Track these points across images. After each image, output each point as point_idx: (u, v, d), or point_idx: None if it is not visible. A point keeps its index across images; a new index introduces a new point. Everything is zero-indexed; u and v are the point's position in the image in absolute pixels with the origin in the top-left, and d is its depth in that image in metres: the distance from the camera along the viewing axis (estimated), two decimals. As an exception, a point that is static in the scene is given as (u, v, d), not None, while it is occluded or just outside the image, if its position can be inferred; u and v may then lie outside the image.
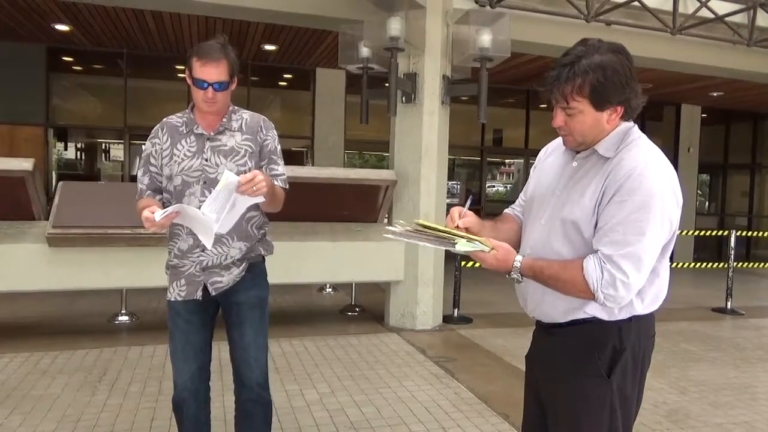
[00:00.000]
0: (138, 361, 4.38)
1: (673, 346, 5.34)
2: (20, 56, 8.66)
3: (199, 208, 2.04)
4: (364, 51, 5.43)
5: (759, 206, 13.33)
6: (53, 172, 9.56)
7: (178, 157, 2.27)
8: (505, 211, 1.94)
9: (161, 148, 2.31)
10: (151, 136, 2.34)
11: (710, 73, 8.27)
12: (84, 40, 8.50)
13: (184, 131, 2.29)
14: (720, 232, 9.33)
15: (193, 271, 2.36)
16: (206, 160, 2.25)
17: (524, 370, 1.92)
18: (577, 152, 1.65)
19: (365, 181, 5.49)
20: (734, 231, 7.44)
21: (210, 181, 2.23)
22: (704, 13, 6.77)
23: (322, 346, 4.92)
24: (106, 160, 11.81)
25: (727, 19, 6.83)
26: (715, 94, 10.69)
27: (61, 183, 5.00)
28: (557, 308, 1.63)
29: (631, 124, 1.62)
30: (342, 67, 5.77)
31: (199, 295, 2.34)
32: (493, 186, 14.56)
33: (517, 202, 1.92)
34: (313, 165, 9.84)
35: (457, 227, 1.65)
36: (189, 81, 2.22)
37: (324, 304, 6.89)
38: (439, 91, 5.60)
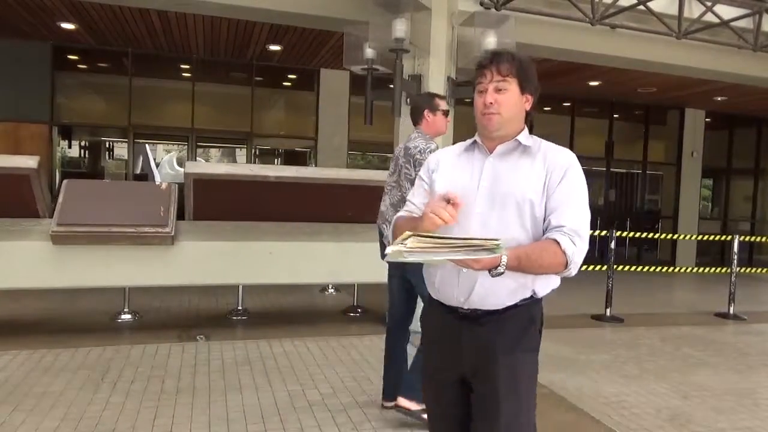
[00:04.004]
0: (140, 360, 4.38)
1: (675, 351, 5.33)
2: (25, 54, 8.69)
3: None
4: (369, 52, 5.43)
5: (762, 211, 13.30)
6: (57, 170, 9.58)
7: None
8: (400, 214, 1.96)
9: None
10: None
11: (715, 78, 8.27)
12: (89, 39, 8.52)
13: None
14: (723, 237, 9.32)
15: None
16: None
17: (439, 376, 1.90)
18: (489, 152, 1.84)
19: (369, 182, 5.49)
20: (737, 236, 7.42)
21: None
22: (709, 17, 6.77)
23: (324, 347, 4.92)
24: (109, 158, 11.85)
25: (732, 23, 6.82)
26: (719, 99, 10.67)
27: (65, 181, 5.01)
28: (508, 293, 1.75)
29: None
30: (346, 68, 5.77)
31: None
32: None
33: (412, 208, 1.93)
34: (316, 166, 9.85)
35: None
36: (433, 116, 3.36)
37: (326, 305, 6.89)
38: (444, 93, 5.59)
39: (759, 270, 9.93)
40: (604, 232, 7.30)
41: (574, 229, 1.70)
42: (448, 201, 1.65)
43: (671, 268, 10.11)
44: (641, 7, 6.39)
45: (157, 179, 12.32)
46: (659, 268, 8.88)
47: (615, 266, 6.79)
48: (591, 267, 7.86)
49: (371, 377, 4.17)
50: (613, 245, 6.78)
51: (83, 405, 3.49)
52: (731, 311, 7.05)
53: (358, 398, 3.76)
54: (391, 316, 3.61)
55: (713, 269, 9.12)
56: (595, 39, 6.78)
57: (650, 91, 10.34)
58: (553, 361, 4.80)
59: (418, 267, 2.81)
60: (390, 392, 3.51)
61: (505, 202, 1.75)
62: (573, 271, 1.72)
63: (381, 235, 3.61)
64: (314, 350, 4.82)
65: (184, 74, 9.75)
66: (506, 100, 1.80)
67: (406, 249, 1.49)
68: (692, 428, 3.55)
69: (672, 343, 5.61)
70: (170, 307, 6.21)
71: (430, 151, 3.25)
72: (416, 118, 3.54)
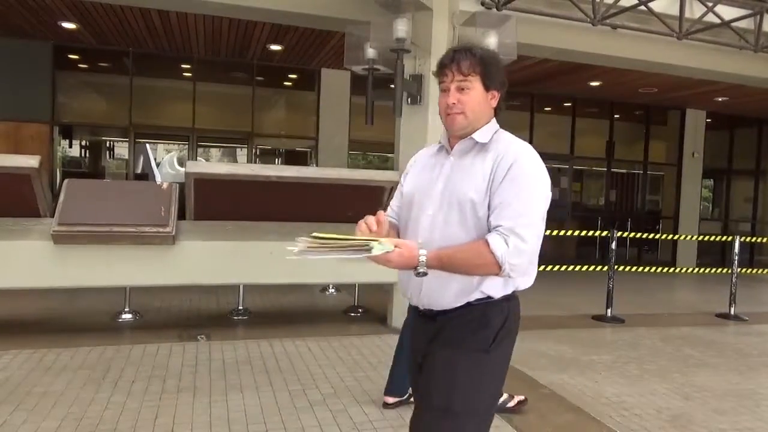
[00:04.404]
0: (141, 360, 4.38)
1: (676, 352, 5.33)
2: (27, 53, 8.69)
3: None
4: (370, 52, 5.43)
5: (763, 212, 13.29)
6: (58, 170, 9.59)
7: None
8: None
9: None
10: None
11: (716, 78, 8.27)
12: (90, 39, 8.52)
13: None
14: (724, 238, 9.32)
15: None
16: None
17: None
18: (450, 152, 1.83)
19: (369, 182, 5.49)
20: (738, 236, 7.42)
21: None
22: (710, 18, 6.77)
23: (324, 347, 4.92)
24: (110, 158, 11.84)
25: (733, 24, 6.82)
26: (720, 99, 10.67)
27: (66, 180, 5.01)
28: (454, 293, 1.73)
29: (498, 126, 1.85)
30: (347, 68, 5.76)
31: None
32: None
33: (388, 209, 2.00)
34: (317, 165, 9.85)
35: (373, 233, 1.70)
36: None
37: (327, 305, 6.89)
38: (445, 93, 5.59)
39: (760, 271, 9.92)
40: (605, 233, 7.30)
41: (510, 229, 1.63)
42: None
43: (672, 269, 10.11)
44: (642, 7, 6.39)
45: (158, 179, 12.32)
46: (660, 269, 8.88)
47: (616, 267, 6.79)
48: (592, 267, 7.87)
49: (372, 377, 4.17)
50: (613, 246, 6.77)
51: (84, 404, 3.49)
52: (732, 312, 7.05)
53: (359, 398, 3.76)
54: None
55: (714, 270, 9.12)
56: (596, 39, 6.77)
57: (651, 91, 10.34)
58: (554, 361, 4.80)
59: None
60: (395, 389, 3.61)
61: (451, 202, 1.74)
62: (514, 274, 1.65)
63: None
64: (315, 350, 4.82)
65: (185, 74, 9.75)
66: (469, 99, 1.76)
67: (299, 248, 1.55)
68: (693, 429, 3.55)
69: (673, 343, 5.61)
70: (171, 307, 6.22)
71: None
72: None
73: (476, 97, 1.77)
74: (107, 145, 11.80)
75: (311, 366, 4.40)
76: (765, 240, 10.23)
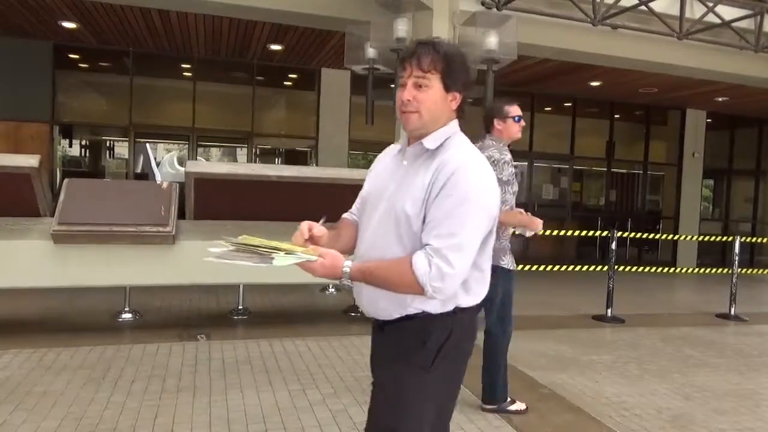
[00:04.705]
0: (141, 359, 4.38)
1: (676, 352, 5.33)
2: (27, 53, 8.69)
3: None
4: (371, 52, 5.44)
5: (763, 212, 13.29)
6: (58, 169, 9.59)
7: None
8: (344, 215, 2.00)
9: (515, 172, 3.43)
10: (509, 164, 3.41)
11: (716, 78, 8.27)
12: (91, 38, 8.52)
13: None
14: (724, 238, 9.31)
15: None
16: None
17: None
18: (408, 148, 1.71)
19: (370, 182, 5.48)
20: (738, 237, 7.42)
21: None
22: (711, 18, 6.77)
23: (324, 347, 4.92)
24: (110, 157, 11.84)
25: (733, 24, 6.82)
26: (720, 99, 10.67)
27: (66, 180, 5.01)
28: (389, 305, 1.66)
29: (458, 129, 1.71)
30: (348, 67, 5.77)
31: None
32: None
33: (353, 206, 1.97)
34: (317, 165, 9.84)
35: (309, 240, 1.69)
36: (504, 123, 3.52)
37: (327, 304, 6.89)
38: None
39: (760, 271, 9.92)
40: (605, 233, 7.30)
41: (437, 250, 1.52)
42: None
43: (672, 269, 10.11)
44: (643, 7, 6.39)
45: (158, 178, 12.32)
46: (660, 269, 8.88)
47: (616, 267, 6.79)
48: (592, 267, 7.87)
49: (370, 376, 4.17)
50: (614, 246, 6.77)
51: (84, 404, 3.49)
52: (732, 312, 7.04)
53: (359, 398, 3.76)
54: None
55: (714, 270, 9.12)
56: (597, 39, 6.77)
57: (651, 91, 10.34)
58: (554, 361, 4.80)
59: None
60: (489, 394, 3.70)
61: (390, 213, 1.64)
62: (439, 296, 1.56)
63: None
64: (315, 350, 4.82)
65: (185, 74, 9.75)
66: (426, 98, 1.62)
67: (212, 251, 1.55)
68: (693, 429, 3.55)
69: (673, 343, 5.61)
70: (171, 307, 6.21)
71: (505, 163, 3.45)
72: (487, 126, 3.67)
73: (433, 96, 1.62)
74: (107, 144, 11.80)
75: (311, 366, 4.40)
76: (765, 240, 10.23)
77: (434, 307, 1.63)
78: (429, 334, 1.64)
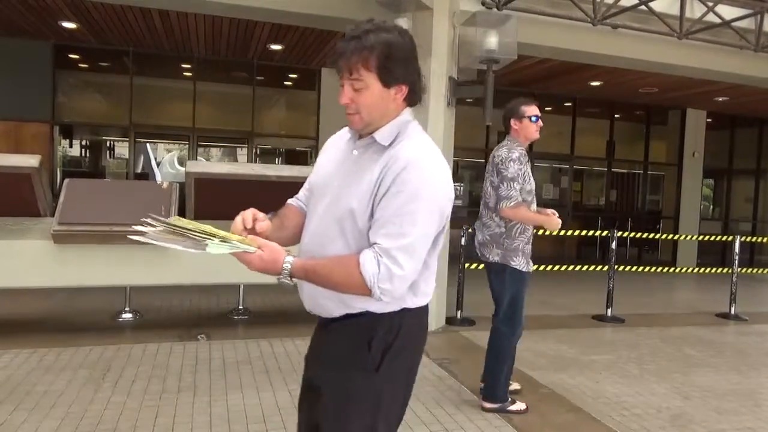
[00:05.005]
0: (141, 359, 4.39)
1: (676, 351, 5.33)
2: (27, 53, 8.69)
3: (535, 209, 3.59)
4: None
5: (763, 212, 13.29)
6: (58, 169, 9.59)
7: (530, 176, 3.61)
8: (289, 201, 1.86)
9: (526, 171, 3.56)
10: (521, 160, 3.53)
11: (716, 78, 8.27)
12: (91, 38, 8.52)
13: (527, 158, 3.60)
14: (724, 238, 9.31)
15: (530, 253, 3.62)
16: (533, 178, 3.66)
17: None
18: (360, 140, 1.61)
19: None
20: (738, 236, 7.42)
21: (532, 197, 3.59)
22: (711, 17, 6.77)
23: (324, 347, 4.92)
24: (110, 157, 11.84)
25: (733, 24, 6.82)
26: (720, 99, 10.67)
27: (66, 180, 5.01)
28: (329, 302, 1.56)
29: (411, 118, 1.60)
30: (348, 67, 5.76)
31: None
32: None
33: (301, 191, 1.84)
34: (317, 165, 9.82)
35: (250, 230, 1.53)
36: (520, 123, 3.59)
37: (327, 305, 6.88)
38: (445, 93, 5.60)
39: (760, 270, 9.93)
40: (605, 233, 7.30)
41: (386, 250, 1.43)
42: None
43: (672, 269, 10.11)
44: (643, 7, 6.39)
45: (158, 178, 12.32)
46: (660, 269, 8.88)
47: (616, 266, 6.79)
48: (592, 267, 7.87)
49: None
50: (614, 245, 6.77)
51: (84, 404, 3.49)
52: (732, 312, 7.05)
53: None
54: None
55: (714, 270, 9.12)
56: (597, 39, 6.77)
57: (651, 91, 10.34)
58: (554, 361, 4.80)
59: (496, 266, 3.55)
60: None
61: (335, 206, 1.54)
62: (386, 298, 1.47)
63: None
64: (315, 350, 4.82)
65: (185, 73, 9.75)
66: (363, 99, 1.50)
67: (139, 230, 1.44)
68: (693, 429, 3.55)
69: (673, 343, 5.61)
70: (171, 307, 6.21)
71: (511, 161, 3.50)
72: (506, 127, 3.71)
73: (372, 96, 1.50)
74: (107, 144, 11.79)
75: (311, 366, 4.40)
76: (765, 240, 10.23)
77: (378, 306, 1.53)
78: (374, 334, 1.54)
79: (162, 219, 1.46)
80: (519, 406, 3.64)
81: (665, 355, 5.18)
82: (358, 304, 1.53)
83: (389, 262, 1.43)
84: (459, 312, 6.08)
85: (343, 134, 1.71)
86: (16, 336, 4.90)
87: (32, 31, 8.21)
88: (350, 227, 1.50)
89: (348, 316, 1.56)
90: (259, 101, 9.87)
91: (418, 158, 1.48)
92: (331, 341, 1.60)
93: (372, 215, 1.48)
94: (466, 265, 6.28)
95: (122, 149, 11.12)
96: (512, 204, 3.46)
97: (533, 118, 3.59)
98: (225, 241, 1.43)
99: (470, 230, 6.42)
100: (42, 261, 4.70)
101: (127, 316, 5.66)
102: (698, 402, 4.01)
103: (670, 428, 3.54)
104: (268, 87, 10.25)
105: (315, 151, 10.09)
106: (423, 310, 1.62)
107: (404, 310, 1.56)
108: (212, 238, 1.42)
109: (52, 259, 4.71)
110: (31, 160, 4.60)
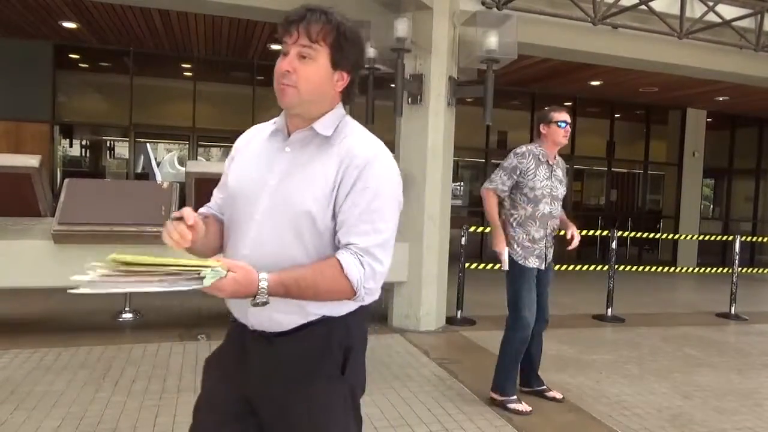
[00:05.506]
0: (142, 359, 4.38)
1: (676, 351, 5.33)
2: (27, 53, 8.70)
3: (549, 212, 3.76)
4: (371, 51, 5.43)
5: (763, 211, 13.30)
6: (58, 169, 9.60)
7: (539, 176, 3.62)
8: (201, 210, 1.69)
9: (527, 168, 3.58)
10: (525, 155, 3.60)
11: (716, 78, 8.26)
12: (91, 38, 8.53)
13: (542, 160, 3.65)
14: (724, 237, 9.31)
15: (541, 252, 3.71)
16: (552, 181, 3.73)
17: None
18: (289, 137, 1.52)
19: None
20: (738, 236, 7.42)
21: (554, 197, 3.77)
22: (711, 17, 6.76)
23: (325, 346, 4.91)
24: (111, 157, 11.86)
25: (734, 23, 6.82)
26: (720, 99, 10.67)
27: (67, 180, 5.01)
28: (285, 315, 1.44)
29: (347, 113, 1.55)
30: (348, 67, 5.76)
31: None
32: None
33: (212, 200, 1.73)
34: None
35: (189, 226, 1.37)
36: (548, 128, 3.65)
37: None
38: (445, 93, 5.60)
39: (760, 270, 9.93)
40: (605, 232, 7.30)
41: (365, 249, 1.39)
42: (181, 218, 1.36)
43: (672, 268, 10.11)
44: (643, 6, 6.39)
45: (159, 178, 12.33)
46: (660, 268, 8.88)
47: (616, 266, 6.79)
48: (592, 267, 7.87)
49: (372, 377, 4.16)
50: (614, 245, 6.77)
51: (85, 404, 3.49)
52: (733, 311, 7.04)
53: (359, 398, 3.76)
54: None
55: (714, 269, 9.12)
56: (597, 39, 6.77)
57: (652, 90, 10.34)
58: (554, 361, 4.80)
59: (510, 257, 3.63)
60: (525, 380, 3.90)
61: (284, 211, 1.43)
62: (369, 298, 1.44)
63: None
64: (315, 350, 4.82)
65: (185, 73, 9.76)
66: (307, 72, 1.42)
67: (92, 279, 1.22)
68: (694, 428, 3.55)
69: (673, 343, 5.61)
70: (171, 307, 6.21)
71: (514, 153, 3.60)
72: (537, 132, 3.79)
73: (317, 71, 1.43)
74: (108, 144, 11.81)
75: (311, 365, 4.40)
76: (766, 239, 10.23)
77: (340, 308, 1.47)
78: (333, 339, 1.47)
79: (107, 261, 1.26)
80: (522, 407, 3.62)
81: (665, 355, 5.18)
82: (317, 311, 1.45)
83: (371, 260, 1.40)
84: (459, 312, 6.08)
85: (257, 133, 1.63)
86: (17, 336, 4.90)
87: (32, 31, 8.21)
88: (308, 230, 1.42)
89: (301, 327, 1.46)
90: (259, 101, 9.86)
91: (377, 154, 1.45)
92: (285, 355, 1.47)
93: (334, 216, 1.42)
94: (466, 265, 6.28)
95: (122, 149, 11.14)
96: (489, 186, 3.64)
97: (561, 124, 3.66)
98: (188, 270, 1.24)
99: (470, 230, 6.43)
100: (42, 261, 4.70)
101: (128, 316, 5.66)
102: (698, 402, 4.01)
103: (670, 428, 3.54)
104: (268, 87, 10.18)
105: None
106: (368, 308, 1.57)
107: (357, 309, 1.51)
108: (197, 269, 1.25)
109: (52, 259, 4.71)
110: (31, 160, 4.60)
